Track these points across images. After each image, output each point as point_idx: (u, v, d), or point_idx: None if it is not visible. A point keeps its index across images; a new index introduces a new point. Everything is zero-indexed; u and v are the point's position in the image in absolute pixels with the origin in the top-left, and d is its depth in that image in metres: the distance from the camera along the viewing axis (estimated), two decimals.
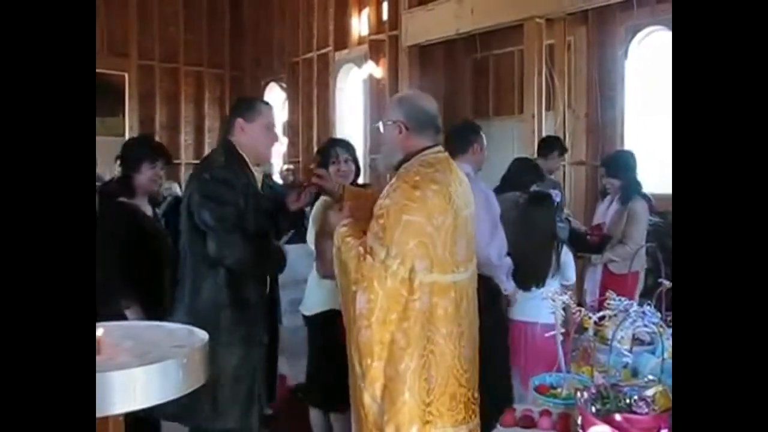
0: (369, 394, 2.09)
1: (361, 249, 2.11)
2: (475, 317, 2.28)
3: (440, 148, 2.26)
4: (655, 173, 5.91)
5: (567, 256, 3.34)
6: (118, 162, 3.13)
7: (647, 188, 4.47)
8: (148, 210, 3.13)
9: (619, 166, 4.18)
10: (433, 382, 2.08)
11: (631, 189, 4.08)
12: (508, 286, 3.17)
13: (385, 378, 2.08)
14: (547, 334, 1.97)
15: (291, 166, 9.28)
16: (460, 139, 3.26)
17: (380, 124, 2.31)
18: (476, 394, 2.23)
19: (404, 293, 2.06)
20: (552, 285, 3.10)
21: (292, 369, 4.04)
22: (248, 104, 2.74)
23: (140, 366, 1.22)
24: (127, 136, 10.63)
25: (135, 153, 3.08)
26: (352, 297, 2.09)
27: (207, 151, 11.61)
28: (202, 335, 1.41)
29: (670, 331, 1.99)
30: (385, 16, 8.69)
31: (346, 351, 2.22)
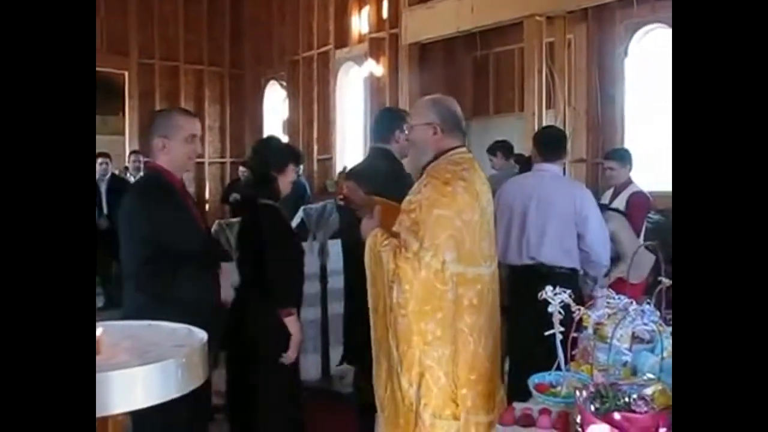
0: (406, 379, 2.21)
1: (395, 241, 2.24)
2: (496, 312, 2.37)
3: (465, 149, 2.38)
4: (656, 170, 5.90)
5: None
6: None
7: (647, 186, 4.46)
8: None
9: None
10: (461, 370, 2.21)
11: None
12: (599, 289, 3.20)
13: (422, 366, 2.20)
14: (546, 333, 1.97)
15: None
16: (552, 146, 3.48)
17: (406, 127, 2.46)
18: (497, 389, 2.34)
19: (438, 285, 2.17)
20: None
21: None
22: None
23: (140, 365, 1.22)
24: (127, 135, 10.66)
25: (281, 154, 3.03)
26: (388, 288, 2.21)
27: (207, 149, 11.62)
28: (201, 335, 1.41)
29: (669, 329, 2.00)
30: (385, 14, 8.68)
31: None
